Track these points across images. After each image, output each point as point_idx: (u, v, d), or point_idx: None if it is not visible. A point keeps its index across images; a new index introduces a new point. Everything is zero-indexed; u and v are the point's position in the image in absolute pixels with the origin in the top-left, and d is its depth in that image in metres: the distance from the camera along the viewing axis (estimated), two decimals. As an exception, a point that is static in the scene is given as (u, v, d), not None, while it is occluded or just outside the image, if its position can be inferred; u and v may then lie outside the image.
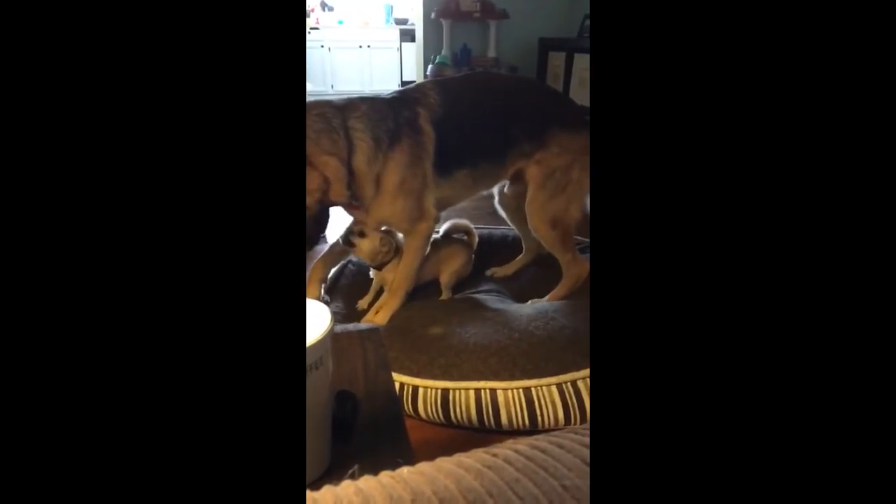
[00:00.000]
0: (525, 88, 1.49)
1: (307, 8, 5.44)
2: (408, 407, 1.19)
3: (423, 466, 0.28)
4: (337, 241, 1.50)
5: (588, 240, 1.76)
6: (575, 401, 1.15)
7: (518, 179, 1.49)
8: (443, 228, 1.65)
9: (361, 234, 1.40)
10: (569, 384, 1.16)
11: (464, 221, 1.67)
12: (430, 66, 3.85)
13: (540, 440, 0.30)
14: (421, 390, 1.18)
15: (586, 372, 1.17)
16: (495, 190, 1.60)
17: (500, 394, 1.15)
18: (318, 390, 0.46)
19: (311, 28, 5.60)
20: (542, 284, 1.58)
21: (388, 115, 1.27)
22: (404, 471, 0.27)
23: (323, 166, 1.19)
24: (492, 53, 3.85)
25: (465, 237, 1.66)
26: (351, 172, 1.22)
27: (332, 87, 5.78)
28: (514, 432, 1.16)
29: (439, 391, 1.17)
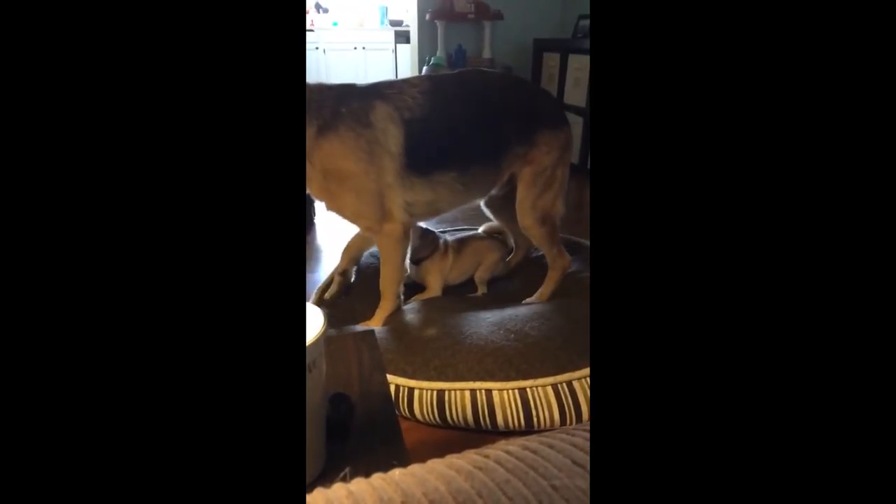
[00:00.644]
0: (515, 87, 1.46)
1: (302, 10, 5.42)
2: (404, 409, 1.19)
3: (415, 468, 0.28)
4: None
5: (571, 237, 1.82)
6: (570, 401, 1.15)
7: (508, 180, 1.49)
8: (481, 229, 1.70)
9: None
10: (564, 384, 1.16)
11: (496, 223, 1.68)
12: (424, 68, 3.85)
13: (531, 441, 0.30)
14: (416, 392, 1.18)
15: (582, 372, 1.18)
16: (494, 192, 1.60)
17: (495, 394, 1.15)
18: (311, 393, 0.46)
19: (307, 30, 5.59)
20: (534, 284, 1.59)
21: (329, 103, 1.19)
22: (395, 473, 0.27)
23: None
24: (487, 54, 3.85)
25: (500, 236, 1.70)
26: None
27: (328, 88, 5.76)
28: (510, 433, 1.16)
29: (435, 392, 1.17)
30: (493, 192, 1.56)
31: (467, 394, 1.16)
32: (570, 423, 1.17)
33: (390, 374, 1.20)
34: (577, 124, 3.09)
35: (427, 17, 3.77)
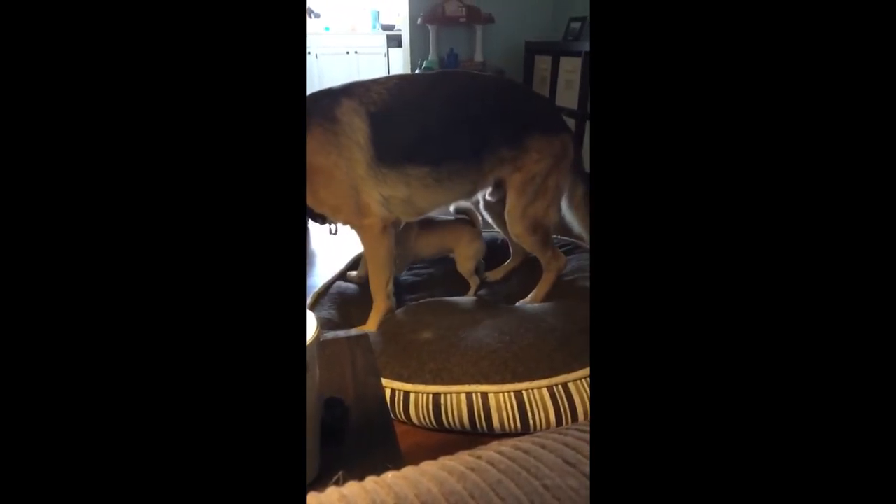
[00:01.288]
0: (505, 90, 1.45)
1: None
2: (399, 412, 1.19)
3: (407, 470, 0.28)
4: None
5: (568, 239, 1.80)
6: (566, 403, 1.15)
7: (499, 186, 1.48)
8: (451, 209, 1.65)
9: None
10: (559, 386, 1.16)
11: (465, 203, 1.63)
12: (417, 72, 3.86)
13: (523, 441, 0.30)
14: (412, 395, 1.18)
15: (577, 374, 1.18)
16: (479, 195, 1.59)
17: (491, 397, 1.15)
18: (306, 397, 0.46)
19: (299, 35, 5.57)
20: (530, 286, 1.59)
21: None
22: (388, 475, 0.28)
23: None
24: (479, 57, 3.86)
25: (466, 217, 1.65)
26: None
27: (320, 93, 5.76)
28: (506, 436, 1.16)
29: (430, 396, 1.17)
30: (489, 197, 1.57)
31: (463, 397, 1.16)
32: (566, 426, 1.17)
33: (386, 378, 1.20)
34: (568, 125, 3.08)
35: (419, 21, 3.78)
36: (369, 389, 0.66)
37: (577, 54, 3.13)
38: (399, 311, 1.44)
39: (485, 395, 1.15)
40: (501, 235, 1.79)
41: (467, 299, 1.54)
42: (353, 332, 1.29)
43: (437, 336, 1.28)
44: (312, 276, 1.96)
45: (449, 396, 1.16)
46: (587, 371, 1.19)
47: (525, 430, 1.15)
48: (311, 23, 5.79)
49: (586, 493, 0.25)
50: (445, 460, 0.29)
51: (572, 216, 1.57)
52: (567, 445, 0.28)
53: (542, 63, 3.65)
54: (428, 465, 0.29)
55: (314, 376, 0.47)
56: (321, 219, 1.41)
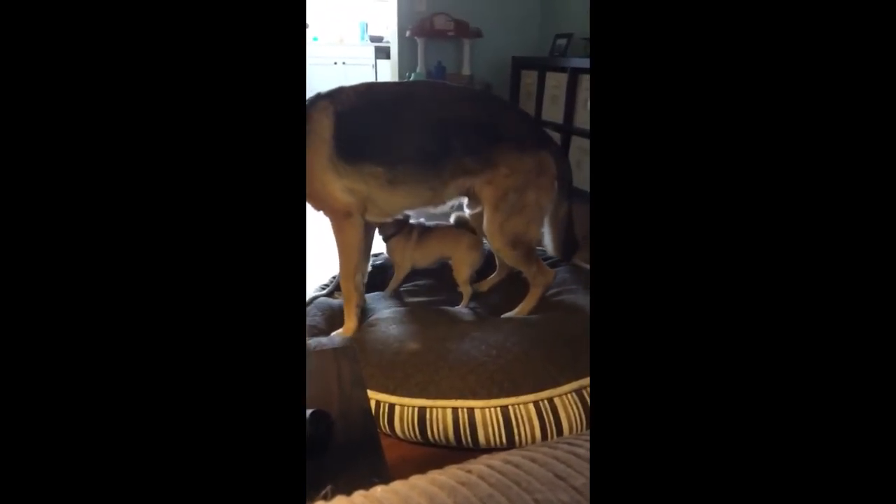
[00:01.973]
0: (477, 103, 1.45)
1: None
2: (384, 425, 1.18)
3: (397, 485, 0.27)
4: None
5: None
6: (552, 418, 1.15)
7: (474, 199, 1.48)
8: (451, 219, 1.69)
9: None
10: (546, 402, 1.16)
11: (464, 215, 1.65)
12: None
13: (513, 455, 0.30)
14: (398, 408, 1.17)
15: (563, 388, 1.18)
16: (467, 211, 1.60)
17: (477, 413, 1.14)
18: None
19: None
20: (516, 298, 1.59)
21: None
22: (378, 490, 0.27)
23: None
24: (466, 71, 3.89)
25: (467, 226, 1.66)
26: None
27: (308, 103, 5.77)
28: (492, 451, 1.15)
29: (416, 409, 1.16)
30: (466, 209, 1.58)
31: (449, 412, 1.15)
32: (555, 439, 1.17)
33: (371, 389, 1.19)
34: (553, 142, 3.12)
35: (407, 33, 3.81)
36: (355, 402, 0.65)
37: (563, 70, 3.17)
38: (386, 317, 1.43)
39: (471, 410, 1.15)
40: (488, 246, 1.79)
41: (454, 309, 1.54)
42: (338, 340, 1.28)
43: (423, 348, 1.27)
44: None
45: (435, 411, 1.15)
46: (574, 385, 1.19)
47: (511, 445, 1.14)
48: (299, 33, 5.80)
49: (577, 507, 0.25)
50: (435, 474, 0.29)
51: (548, 234, 1.57)
52: (557, 459, 0.28)
53: (528, 78, 3.69)
54: (417, 480, 0.28)
55: (300, 388, 0.47)
56: None
